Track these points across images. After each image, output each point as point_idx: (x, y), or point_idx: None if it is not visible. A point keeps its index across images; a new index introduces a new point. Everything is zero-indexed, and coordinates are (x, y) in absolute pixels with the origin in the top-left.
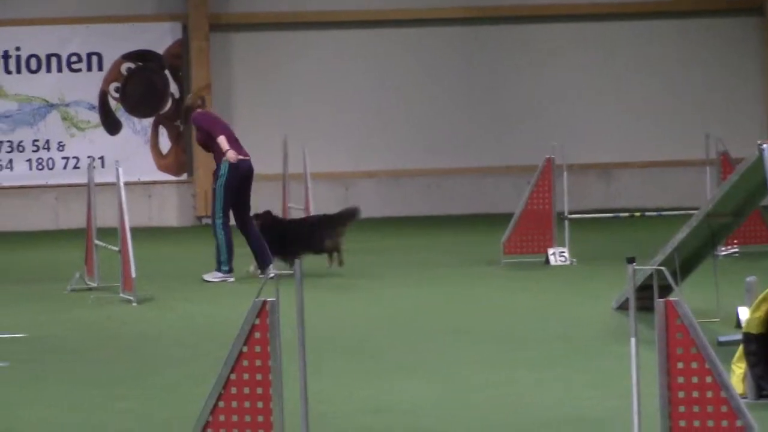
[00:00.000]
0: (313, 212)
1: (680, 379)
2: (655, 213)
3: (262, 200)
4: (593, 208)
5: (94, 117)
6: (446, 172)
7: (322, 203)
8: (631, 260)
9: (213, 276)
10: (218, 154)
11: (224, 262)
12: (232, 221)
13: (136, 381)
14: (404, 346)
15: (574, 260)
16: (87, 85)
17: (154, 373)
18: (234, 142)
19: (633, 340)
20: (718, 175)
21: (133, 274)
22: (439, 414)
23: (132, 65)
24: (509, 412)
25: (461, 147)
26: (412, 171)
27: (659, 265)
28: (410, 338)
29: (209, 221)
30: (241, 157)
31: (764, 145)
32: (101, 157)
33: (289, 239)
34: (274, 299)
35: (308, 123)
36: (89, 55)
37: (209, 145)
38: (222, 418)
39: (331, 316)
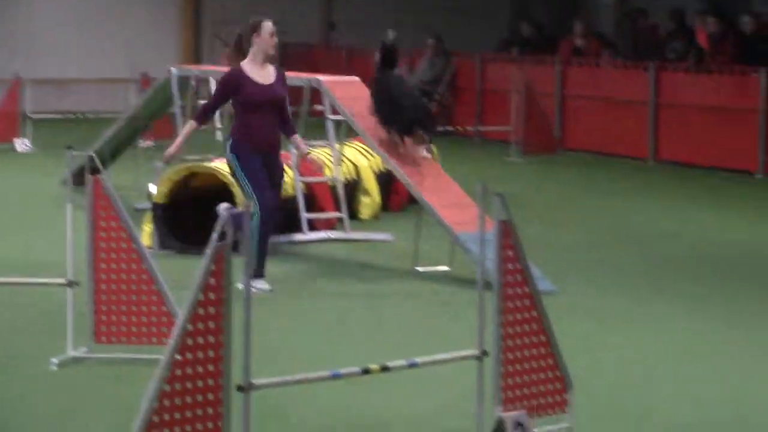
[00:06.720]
0: None
1: (102, 234)
2: (92, 116)
3: None
4: (50, 110)
5: None
6: None
7: None
8: (70, 147)
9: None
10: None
11: None
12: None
13: None
14: None
15: (36, 149)
16: None
17: None
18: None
19: (69, 205)
20: (140, 89)
21: None
22: None
23: None
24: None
25: None
26: None
27: (93, 152)
28: None
29: None
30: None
31: (173, 69)
32: None
33: None
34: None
35: None
36: None
37: None
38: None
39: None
